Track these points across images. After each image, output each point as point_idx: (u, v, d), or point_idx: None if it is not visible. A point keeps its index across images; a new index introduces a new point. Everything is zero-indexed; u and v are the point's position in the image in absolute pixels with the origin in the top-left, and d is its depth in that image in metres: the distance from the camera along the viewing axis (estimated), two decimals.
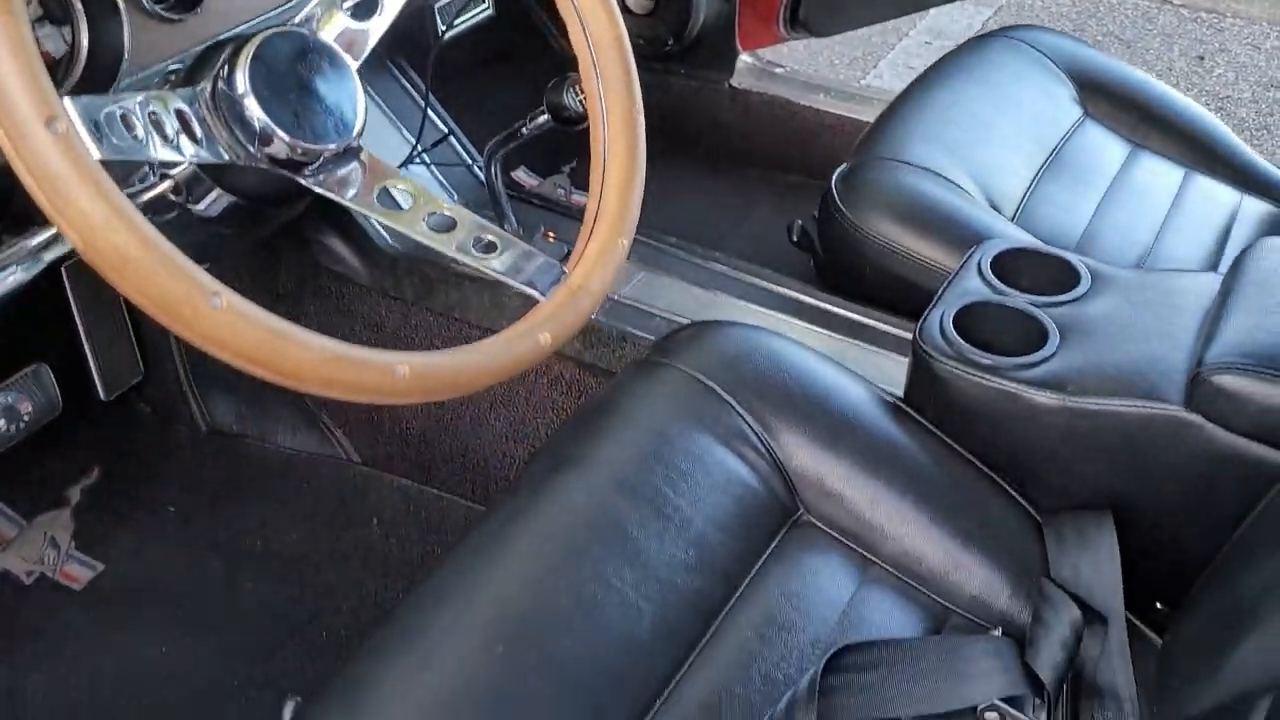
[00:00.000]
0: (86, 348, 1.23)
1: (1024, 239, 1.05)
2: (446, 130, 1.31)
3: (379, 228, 1.18)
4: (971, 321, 0.92)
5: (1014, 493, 0.88)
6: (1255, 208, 1.31)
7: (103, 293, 1.26)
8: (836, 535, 0.85)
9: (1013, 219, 1.20)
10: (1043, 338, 0.89)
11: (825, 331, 1.13)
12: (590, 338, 1.11)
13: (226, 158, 0.66)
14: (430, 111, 1.28)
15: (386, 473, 1.24)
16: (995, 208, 1.20)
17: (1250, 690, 0.68)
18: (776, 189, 1.71)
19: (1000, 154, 1.27)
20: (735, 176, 1.73)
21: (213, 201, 0.72)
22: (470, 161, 1.31)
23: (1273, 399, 0.76)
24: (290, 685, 1.01)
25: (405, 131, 1.26)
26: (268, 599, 1.12)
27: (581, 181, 1.31)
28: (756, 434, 0.86)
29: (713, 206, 1.69)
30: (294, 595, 1.12)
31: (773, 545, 0.83)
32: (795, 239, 1.36)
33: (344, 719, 0.65)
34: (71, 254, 0.56)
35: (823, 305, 1.17)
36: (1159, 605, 0.89)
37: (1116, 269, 0.97)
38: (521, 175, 1.50)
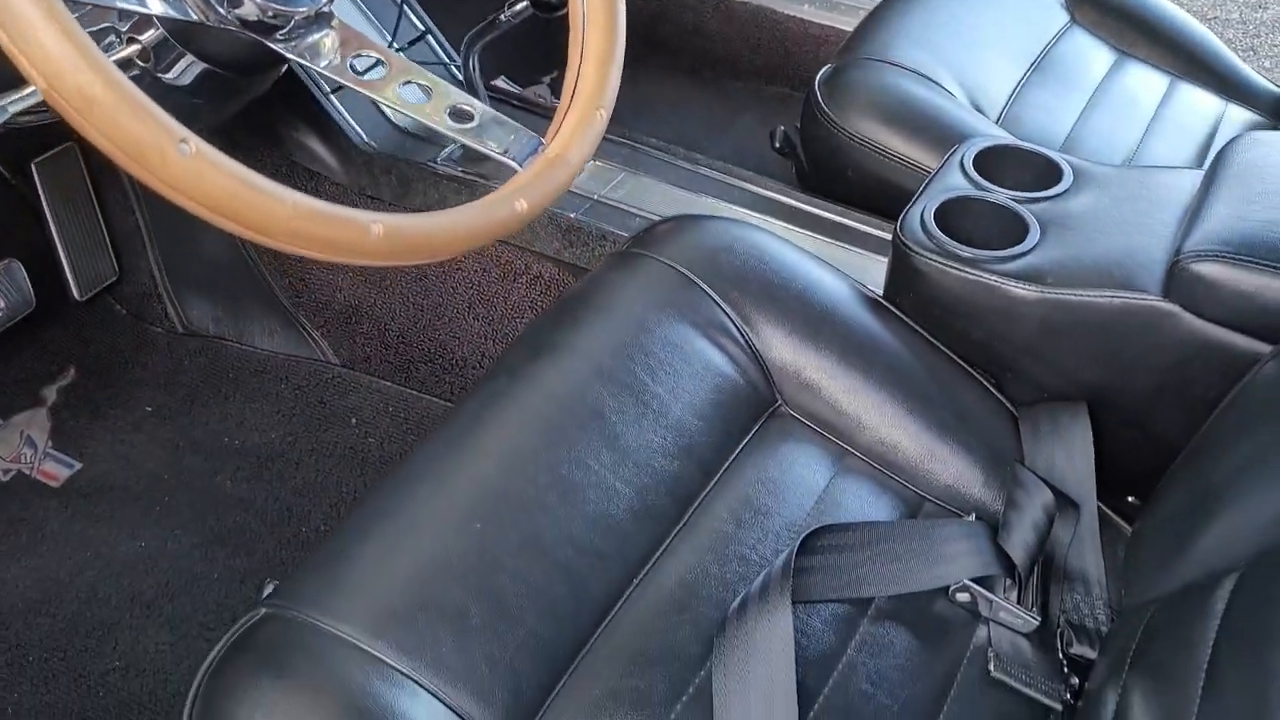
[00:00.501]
0: (59, 247, 1.21)
1: (1007, 138, 1.04)
2: (423, 29, 1.29)
3: (355, 126, 1.16)
4: (953, 217, 0.91)
5: (990, 386, 0.89)
6: (1239, 115, 1.30)
7: (75, 193, 1.24)
8: (814, 426, 0.85)
9: (997, 121, 1.20)
10: (1023, 232, 0.89)
11: (806, 232, 1.12)
12: (570, 236, 1.10)
13: (194, 16, 0.64)
14: (407, 9, 1.26)
15: (365, 374, 1.23)
16: (980, 110, 1.20)
17: (1215, 571, 0.69)
18: (760, 99, 1.69)
19: (985, 57, 1.26)
20: (718, 86, 1.71)
21: (183, 70, 0.71)
22: (448, 60, 1.28)
23: (1249, 286, 0.76)
24: (270, 576, 1.01)
25: (382, 30, 1.24)
26: (246, 495, 1.12)
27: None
28: (736, 325, 0.86)
29: (695, 117, 1.67)
30: (273, 492, 1.12)
31: (750, 435, 0.83)
32: (778, 145, 1.35)
33: (321, 592, 0.66)
34: (36, 109, 0.54)
35: (804, 207, 1.16)
36: (1131, 500, 0.90)
37: (1099, 165, 0.97)
38: (501, 84, 1.48)
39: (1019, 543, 0.75)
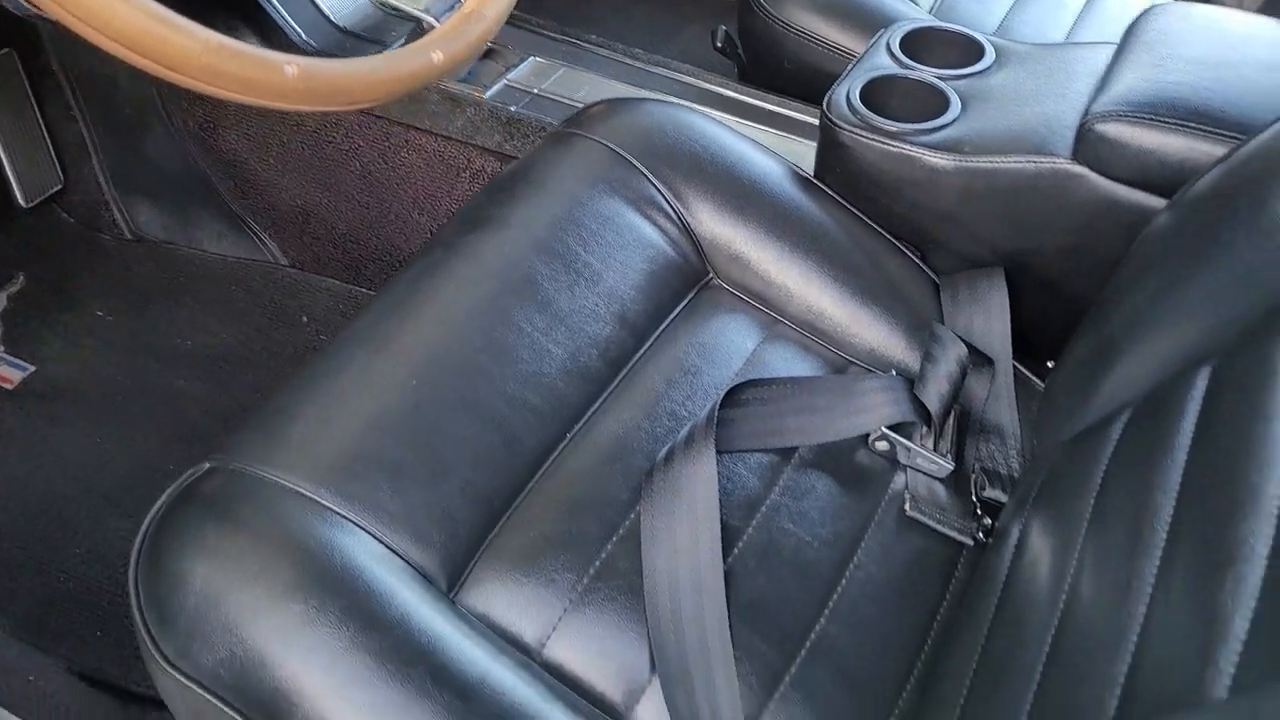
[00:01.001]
0: (1, 154, 1.22)
1: (934, 21, 1.07)
2: None
3: (293, 23, 1.16)
4: (878, 95, 0.94)
5: (914, 256, 0.92)
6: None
7: (14, 101, 1.24)
8: (744, 297, 0.88)
9: (930, 11, 1.22)
10: (944, 106, 0.92)
11: (743, 121, 1.15)
12: (510, 129, 1.12)
13: None
14: None
15: (315, 274, 1.25)
16: (913, 0, 1.22)
17: (1114, 411, 0.73)
18: (703, 6, 1.70)
19: None
20: None
21: None
22: None
23: (1151, 144, 0.79)
24: None
25: None
26: (202, 394, 1.14)
27: None
28: (667, 200, 0.88)
29: (640, 25, 1.68)
30: (228, 390, 1.14)
31: (682, 305, 0.86)
32: (719, 45, 1.36)
33: (264, 446, 0.69)
34: None
35: (741, 97, 1.18)
36: (1051, 365, 0.94)
37: (1020, 44, 0.99)
38: None
39: (934, 393, 0.79)
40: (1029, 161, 0.85)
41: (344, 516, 0.65)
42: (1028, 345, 0.90)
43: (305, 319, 1.21)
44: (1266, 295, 0.64)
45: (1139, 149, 0.80)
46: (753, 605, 0.70)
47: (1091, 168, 0.82)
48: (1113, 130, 0.80)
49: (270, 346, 1.19)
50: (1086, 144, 0.82)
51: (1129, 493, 0.64)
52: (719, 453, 0.75)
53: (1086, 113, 0.82)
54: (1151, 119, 0.79)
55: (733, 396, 0.77)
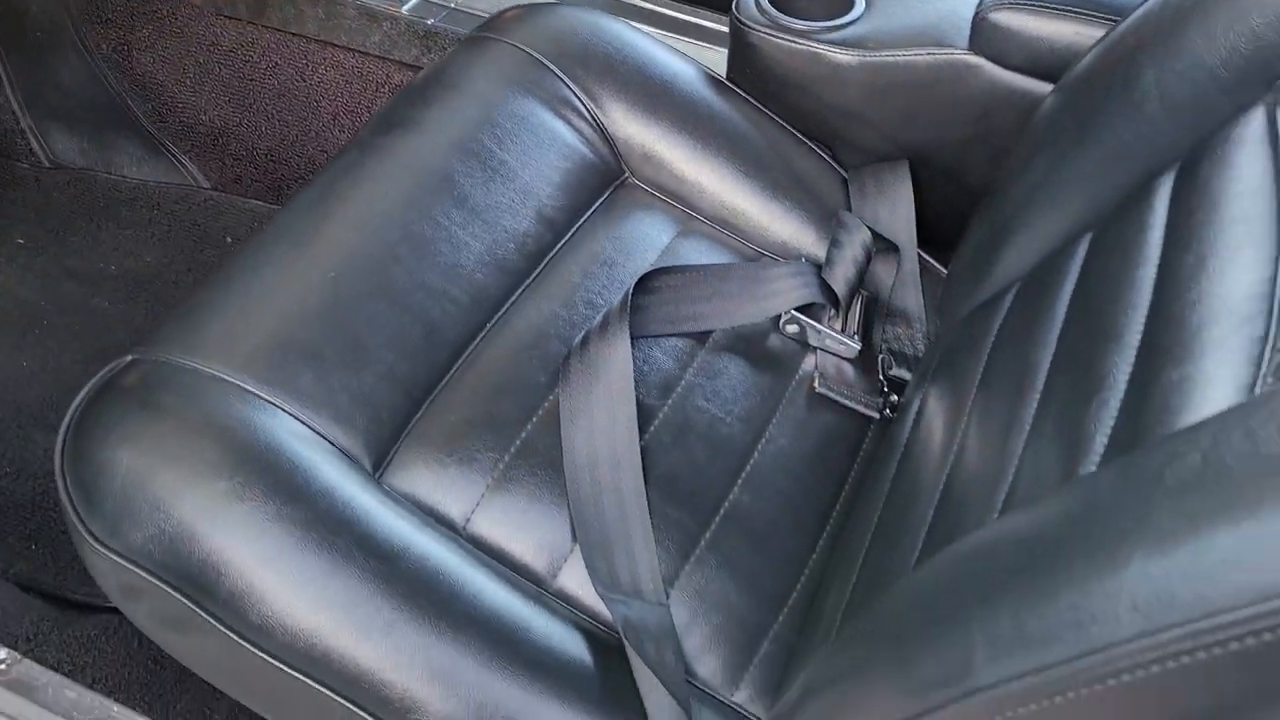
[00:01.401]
0: None
1: None
2: None
3: None
4: None
5: (823, 151, 0.95)
6: None
7: None
8: (659, 195, 0.91)
9: None
10: (850, 5, 0.94)
11: (659, 30, 1.16)
12: (427, 43, 1.12)
13: None
14: None
15: (237, 195, 1.25)
16: None
17: (1005, 287, 0.77)
18: None
19: None
20: None
21: None
22: None
23: (1042, 31, 0.83)
24: None
25: None
26: (126, 315, 1.14)
27: None
28: (581, 102, 0.90)
29: None
30: (152, 310, 1.15)
31: (599, 202, 0.88)
32: None
33: (185, 337, 0.70)
34: None
35: (659, 9, 1.20)
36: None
37: None
38: None
39: (840, 275, 0.82)
40: (928, 54, 0.88)
41: (266, 400, 0.67)
42: (934, 233, 0.94)
43: (229, 240, 1.21)
44: (1141, 165, 0.68)
45: (1030, 36, 0.83)
46: (669, 477, 0.73)
47: (987, 57, 0.86)
48: (1004, 19, 0.83)
49: (195, 267, 1.19)
50: (981, 34, 0.85)
51: (1014, 354, 0.68)
52: (635, 338, 0.77)
53: (981, 3, 0.85)
54: (1040, 6, 0.83)
55: (646, 283, 0.79)
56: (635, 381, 0.75)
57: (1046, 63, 0.83)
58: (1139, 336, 0.55)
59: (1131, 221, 0.65)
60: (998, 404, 0.65)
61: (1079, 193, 0.73)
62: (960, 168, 0.92)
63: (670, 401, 0.77)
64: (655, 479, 0.73)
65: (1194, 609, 0.32)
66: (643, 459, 0.73)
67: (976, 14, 0.85)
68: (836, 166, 0.95)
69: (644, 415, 0.75)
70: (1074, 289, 0.67)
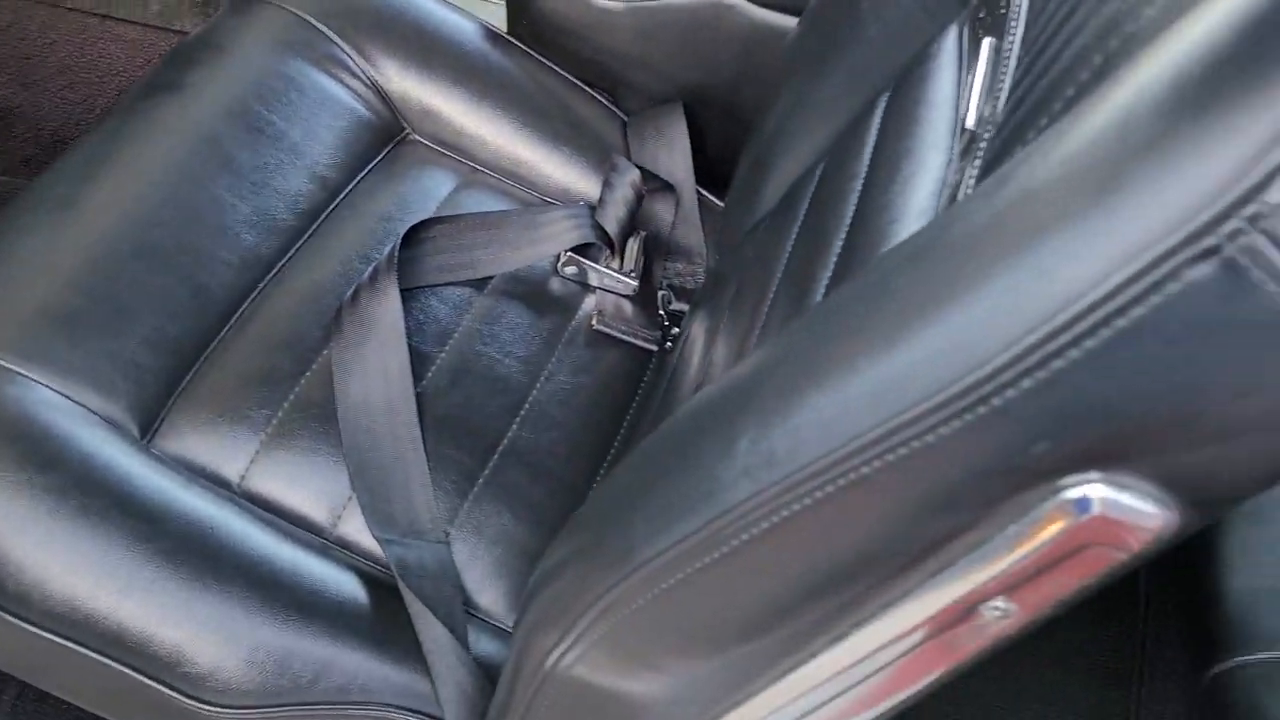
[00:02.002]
0: None
1: None
2: None
3: None
4: None
5: (603, 98, 0.97)
6: None
7: None
8: (440, 149, 0.92)
9: None
10: None
11: None
12: (208, 9, 1.10)
13: None
14: None
15: (26, 178, 1.21)
16: None
17: (765, 214, 0.81)
18: None
19: None
20: None
21: None
22: None
23: None
24: None
25: None
26: None
27: None
28: (355, 60, 0.90)
29: None
30: None
31: (378, 159, 0.89)
32: None
33: None
34: None
35: None
36: None
37: None
38: None
39: (611, 216, 0.85)
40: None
41: (17, 372, 0.66)
42: (716, 171, 0.97)
43: None
44: (868, 88, 0.72)
45: None
46: (447, 419, 0.75)
47: None
48: None
49: None
50: None
51: (757, 274, 0.71)
52: (411, 288, 0.79)
53: None
54: None
55: (418, 234, 0.81)
56: (412, 330, 0.77)
57: (800, 1, 0.86)
58: (841, 243, 0.59)
59: (853, 143, 0.69)
60: (741, 320, 0.68)
61: (821, 120, 0.77)
62: (732, 106, 0.95)
63: (448, 347, 0.78)
64: (433, 422, 0.74)
65: (797, 460, 0.35)
66: (420, 404, 0.74)
67: None
68: (618, 111, 0.97)
69: (421, 362, 0.77)
70: (806, 209, 0.70)
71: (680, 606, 0.41)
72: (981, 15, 0.60)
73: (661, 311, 0.86)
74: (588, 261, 0.84)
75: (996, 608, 0.37)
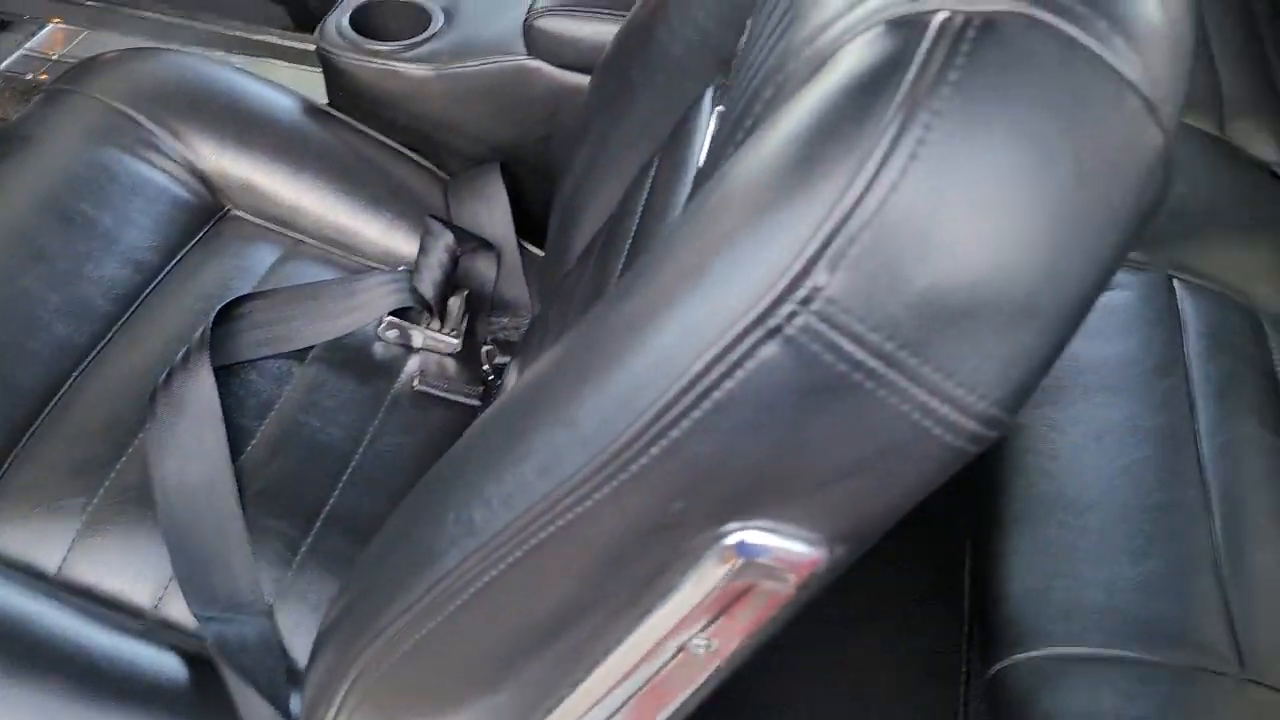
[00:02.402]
0: None
1: None
2: None
3: None
4: (375, 19, 1.00)
5: (424, 161, 1.00)
6: None
7: None
8: (263, 223, 0.94)
9: None
10: (429, 22, 1.00)
11: (282, 62, 1.19)
12: (30, 98, 1.11)
13: None
14: None
15: None
16: None
17: (575, 262, 0.84)
18: None
19: None
20: None
21: None
22: None
23: (579, 31, 0.90)
24: None
25: None
26: None
27: None
28: (167, 142, 0.92)
29: None
30: None
31: (198, 238, 0.90)
32: None
33: None
34: None
35: (280, 41, 1.22)
36: None
37: None
38: None
39: (427, 279, 0.87)
40: (496, 62, 0.94)
41: None
42: (538, 226, 1.00)
43: None
44: (651, 143, 0.76)
45: (571, 37, 0.90)
46: (268, 491, 0.76)
47: (543, 60, 0.93)
48: (547, 25, 0.91)
49: None
50: (532, 40, 0.92)
51: (559, 318, 0.75)
52: (229, 365, 0.80)
53: (528, 13, 0.92)
54: (578, 10, 0.90)
55: (232, 311, 0.82)
56: (232, 406, 0.78)
57: (591, 58, 0.91)
58: (615, 278, 0.63)
59: (636, 194, 0.73)
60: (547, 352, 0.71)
61: (615, 175, 0.81)
62: (545, 161, 0.99)
63: (268, 419, 0.80)
64: (254, 495, 0.76)
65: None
66: (240, 479, 0.75)
67: (525, 22, 0.92)
68: (439, 173, 1.00)
69: (240, 437, 0.78)
70: (595, 261, 0.74)
71: (422, 667, 0.44)
72: (723, 81, 0.64)
73: (486, 367, 0.88)
74: (408, 324, 0.87)
75: (700, 644, 0.41)
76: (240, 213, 0.93)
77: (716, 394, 0.32)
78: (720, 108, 0.59)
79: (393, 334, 0.87)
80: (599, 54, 0.89)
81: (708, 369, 0.32)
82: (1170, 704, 0.63)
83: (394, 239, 0.95)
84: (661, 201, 0.65)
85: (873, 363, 0.31)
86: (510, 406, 0.43)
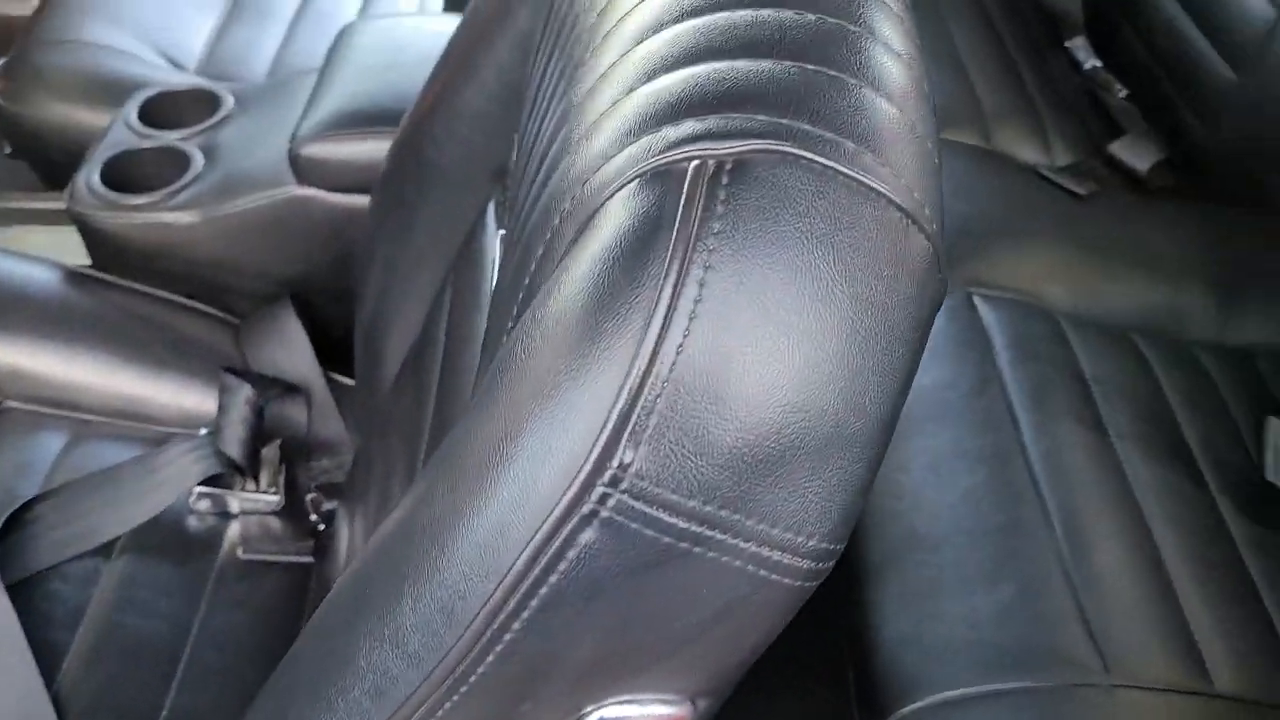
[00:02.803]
0: None
1: (173, 83, 1.08)
2: None
3: None
4: (128, 170, 0.95)
5: (210, 310, 0.94)
6: None
7: None
8: (41, 409, 0.86)
9: (198, 70, 1.24)
10: (189, 163, 0.95)
11: (42, 227, 1.11)
12: None
13: None
14: None
15: None
16: (178, 65, 1.23)
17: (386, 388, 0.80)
18: None
19: (179, 14, 1.29)
20: None
21: None
22: None
23: (350, 154, 0.88)
24: None
25: None
26: None
27: None
28: None
29: None
30: None
31: None
32: (7, 151, 1.30)
33: None
34: None
35: (36, 204, 1.15)
36: None
37: (257, 84, 1.05)
38: None
39: (232, 439, 0.82)
40: (266, 198, 0.90)
41: None
42: (346, 354, 0.96)
43: None
44: (440, 261, 0.74)
45: (342, 161, 0.88)
46: (93, 709, 0.70)
47: (317, 187, 0.89)
48: (315, 151, 0.87)
49: None
50: (300, 169, 0.88)
51: (384, 448, 0.71)
52: (23, 579, 0.73)
53: (291, 142, 0.88)
54: (344, 133, 0.87)
55: (19, 518, 0.75)
56: (36, 623, 0.71)
57: (366, 178, 0.88)
58: (432, 408, 0.60)
59: (437, 319, 0.70)
60: (381, 502, 0.67)
61: (412, 297, 0.78)
62: (341, 288, 0.95)
63: (80, 628, 0.73)
64: (81, 714, 0.69)
65: None
66: (59, 701, 0.68)
67: (290, 151, 0.88)
68: (228, 318, 0.95)
69: (52, 654, 0.71)
70: (410, 382, 0.71)
71: None
72: (501, 198, 0.63)
73: (314, 517, 0.83)
74: (221, 490, 0.81)
75: None
76: (13, 403, 0.86)
77: (543, 590, 0.30)
78: (503, 231, 0.57)
79: (205, 505, 0.81)
80: (375, 172, 0.87)
81: (528, 567, 0.30)
82: None
83: (189, 400, 0.89)
84: (463, 328, 0.63)
85: (696, 528, 0.29)
86: (332, 616, 0.39)
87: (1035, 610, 0.68)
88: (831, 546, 0.31)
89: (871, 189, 0.30)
